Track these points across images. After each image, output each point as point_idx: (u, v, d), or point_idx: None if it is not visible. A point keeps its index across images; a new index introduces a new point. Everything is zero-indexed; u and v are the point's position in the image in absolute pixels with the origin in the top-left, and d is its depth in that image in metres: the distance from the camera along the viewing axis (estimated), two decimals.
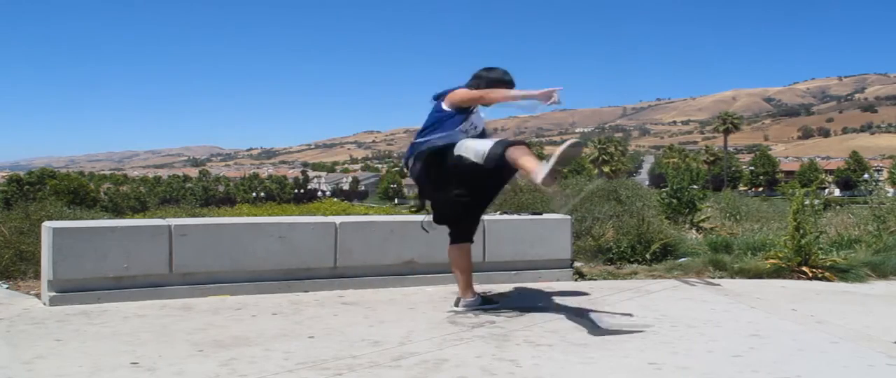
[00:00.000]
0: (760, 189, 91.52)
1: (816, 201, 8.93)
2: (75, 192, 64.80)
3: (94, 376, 2.54)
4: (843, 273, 5.11)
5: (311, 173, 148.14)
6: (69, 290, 3.70)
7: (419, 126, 3.63)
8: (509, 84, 3.66)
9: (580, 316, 3.64)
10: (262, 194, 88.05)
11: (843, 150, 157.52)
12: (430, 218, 3.79)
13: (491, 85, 3.60)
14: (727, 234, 7.68)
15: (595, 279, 4.93)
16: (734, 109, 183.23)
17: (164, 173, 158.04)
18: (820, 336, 3.35)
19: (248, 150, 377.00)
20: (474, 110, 3.63)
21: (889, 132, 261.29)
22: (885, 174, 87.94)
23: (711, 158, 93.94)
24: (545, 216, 5.13)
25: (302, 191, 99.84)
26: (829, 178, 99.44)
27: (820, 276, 5.05)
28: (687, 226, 9.46)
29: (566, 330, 3.36)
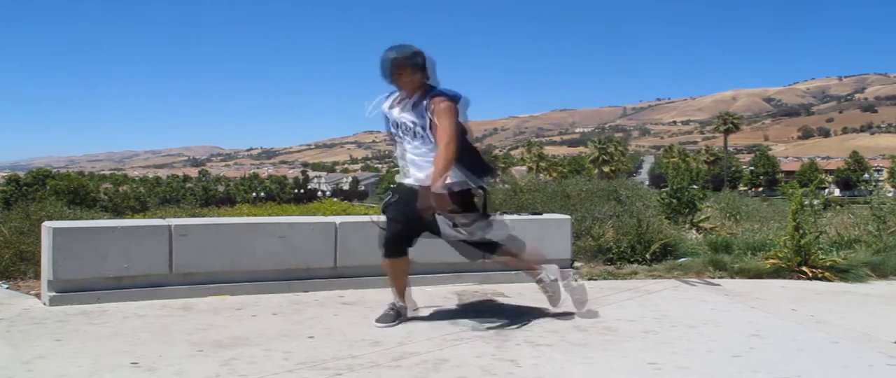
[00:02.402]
0: (760, 189, 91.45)
1: (816, 201, 8.91)
2: (75, 192, 64.69)
3: (94, 376, 2.54)
4: (843, 273, 5.11)
5: (311, 173, 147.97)
6: (69, 290, 3.70)
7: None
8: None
9: (580, 316, 3.64)
10: (262, 194, 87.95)
11: (843, 150, 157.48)
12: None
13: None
14: (727, 234, 7.65)
15: (595, 279, 4.93)
16: (734, 109, 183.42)
17: (164, 173, 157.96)
18: (820, 336, 3.35)
19: (248, 150, 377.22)
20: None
21: (889, 132, 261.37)
22: (885, 174, 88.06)
23: (711, 158, 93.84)
24: (545, 216, 5.13)
25: (302, 191, 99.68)
26: (830, 178, 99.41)
27: (820, 276, 5.04)
28: (687, 226, 9.42)
29: (566, 330, 3.36)
